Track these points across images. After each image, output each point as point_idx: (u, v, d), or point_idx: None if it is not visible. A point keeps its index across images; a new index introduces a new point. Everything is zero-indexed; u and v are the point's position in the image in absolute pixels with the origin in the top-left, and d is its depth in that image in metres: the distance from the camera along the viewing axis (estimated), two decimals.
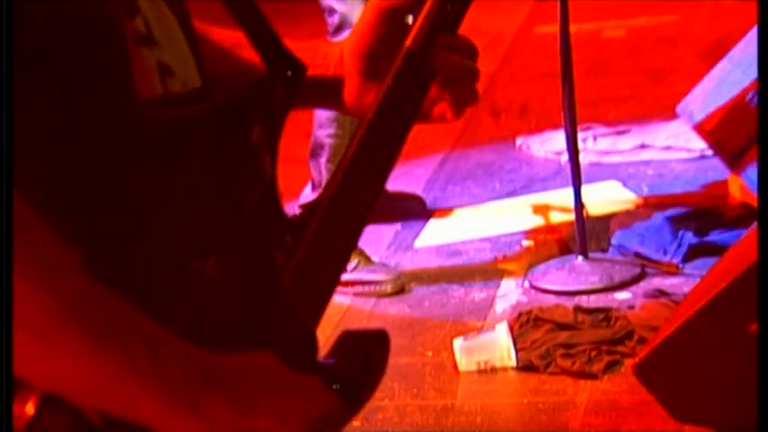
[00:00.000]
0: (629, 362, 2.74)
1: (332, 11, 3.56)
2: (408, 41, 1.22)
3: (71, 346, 0.92)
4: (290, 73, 1.18)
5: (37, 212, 0.94)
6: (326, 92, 1.29)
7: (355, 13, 3.32)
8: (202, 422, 0.97)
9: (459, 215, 3.74)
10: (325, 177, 3.43)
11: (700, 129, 3.48)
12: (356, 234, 1.20)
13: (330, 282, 1.18)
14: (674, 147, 3.94)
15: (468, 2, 1.27)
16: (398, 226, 3.69)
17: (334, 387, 1.09)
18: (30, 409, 0.94)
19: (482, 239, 3.58)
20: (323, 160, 3.43)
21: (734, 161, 3.39)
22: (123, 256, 1.00)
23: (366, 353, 1.19)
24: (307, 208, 1.16)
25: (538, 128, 4.09)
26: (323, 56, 1.29)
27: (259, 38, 1.18)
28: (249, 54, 1.22)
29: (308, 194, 3.44)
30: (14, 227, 0.93)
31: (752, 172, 3.23)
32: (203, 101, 1.09)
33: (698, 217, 3.48)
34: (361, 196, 1.19)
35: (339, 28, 3.53)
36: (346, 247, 1.19)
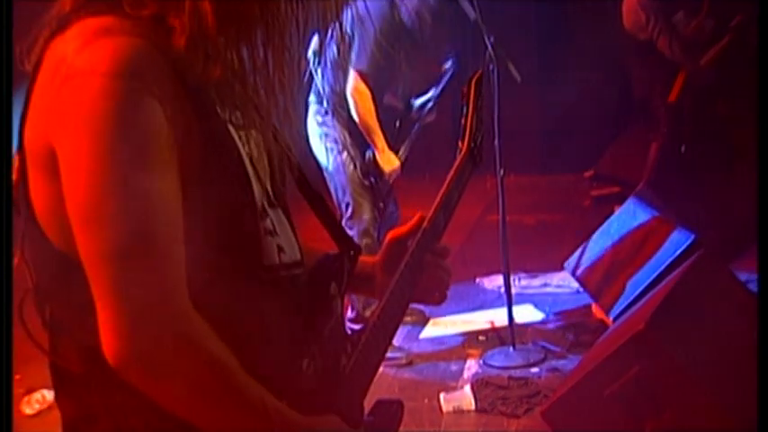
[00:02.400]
0: (538, 409, 2.71)
1: (348, 205, 3.17)
2: (412, 247, 1.13)
3: (235, 410, 0.87)
4: (352, 252, 1.11)
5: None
6: (367, 283, 1.18)
7: (362, 208, 3.15)
8: None
9: (445, 321, 3.67)
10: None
11: (582, 280, 3.48)
12: (388, 343, 1.11)
13: (374, 370, 1.07)
14: (563, 286, 3.91)
15: (452, 212, 1.20)
16: (410, 325, 3.59)
17: None
18: None
19: (457, 335, 3.54)
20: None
21: (597, 297, 3.41)
22: (255, 358, 0.90)
23: (390, 413, 1.10)
24: (358, 331, 1.08)
25: (488, 273, 4.05)
26: (367, 265, 1.18)
27: (333, 231, 1.11)
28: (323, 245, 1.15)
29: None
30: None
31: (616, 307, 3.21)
32: (300, 267, 1.02)
33: (575, 326, 3.47)
34: (390, 326, 1.10)
35: (351, 217, 3.17)
36: (383, 350, 1.09)
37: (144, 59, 0.83)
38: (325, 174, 3.18)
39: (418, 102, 3.19)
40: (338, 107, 3.10)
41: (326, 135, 3.13)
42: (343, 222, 3.17)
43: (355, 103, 3.02)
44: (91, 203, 0.82)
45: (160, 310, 0.83)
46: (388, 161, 3.11)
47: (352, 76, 3.01)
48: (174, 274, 0.84)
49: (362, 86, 3.01)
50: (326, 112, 3.11)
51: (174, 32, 0.85)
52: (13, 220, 0.88)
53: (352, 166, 3.12)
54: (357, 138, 3.11)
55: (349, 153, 3.11)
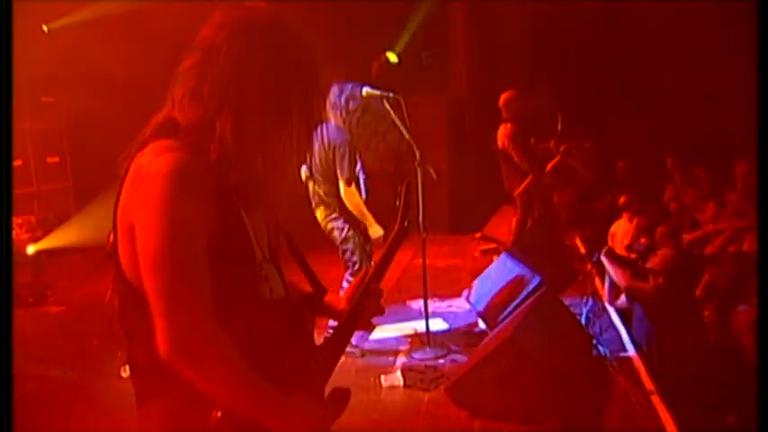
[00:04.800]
0: (443, 387, 2.71)
1: (354, 263, 3.11)
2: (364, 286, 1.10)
3: (243, 396, 0.88)
4: (320, 293, 1.10)
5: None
6: (333, 312, 1.14)
7: (363, 265, 3.13)
8: (292, 427, 0.92)
9: (385, 328, 3.60)
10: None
11: (472, 303, 3.44)
12: (345, 346, 1.09)
13: (334, 365, 1.06)
14: (461, 307, 3.86)
15: (388, 265, 1.14)
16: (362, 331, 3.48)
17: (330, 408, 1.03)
18: (218, 413, 0.88)
19: (392, 338, 3.48)
20: None
21: (482, 314, 3.39)
22: (254, 361, 0.89)
23: (342, 396, 1.06)
24: (324, 340, 1.05)
25: (413, 297, 4.00)
26: (337, 299, 1.15)
27: (310, 279, 1.09)
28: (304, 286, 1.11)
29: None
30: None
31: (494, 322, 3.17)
32: (285, 301, 1.00)
33: (467, 333, 3.43)
34: (346, 334, 1.08)
35: (357, 271, 3.08)
36: (341, 351, 1.08)
37: (189, 168, 0.89)
38: (336, 243, 3.23)
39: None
40: (339, 207, 3.19)
41: (335, 220, 3.23)
42: (349, 272, 3.13)
43: (348, 201, 3.15)
44: (152, 258, 0.87)
45: (194, 322, 0.85)
46: (375, 231, 3.21)
47: (342, 185, 3.15)
48: (203, 301, 0.87)
49: (351, 189, 3.14)
50: (333, 213, 3.22)
51: (208, 151, 0.91)
52: (12, 222, 0.89)
53: (355, 238, 3.21)
54: (356, 222, 3.14)
55: (353, 232, 3.21)
